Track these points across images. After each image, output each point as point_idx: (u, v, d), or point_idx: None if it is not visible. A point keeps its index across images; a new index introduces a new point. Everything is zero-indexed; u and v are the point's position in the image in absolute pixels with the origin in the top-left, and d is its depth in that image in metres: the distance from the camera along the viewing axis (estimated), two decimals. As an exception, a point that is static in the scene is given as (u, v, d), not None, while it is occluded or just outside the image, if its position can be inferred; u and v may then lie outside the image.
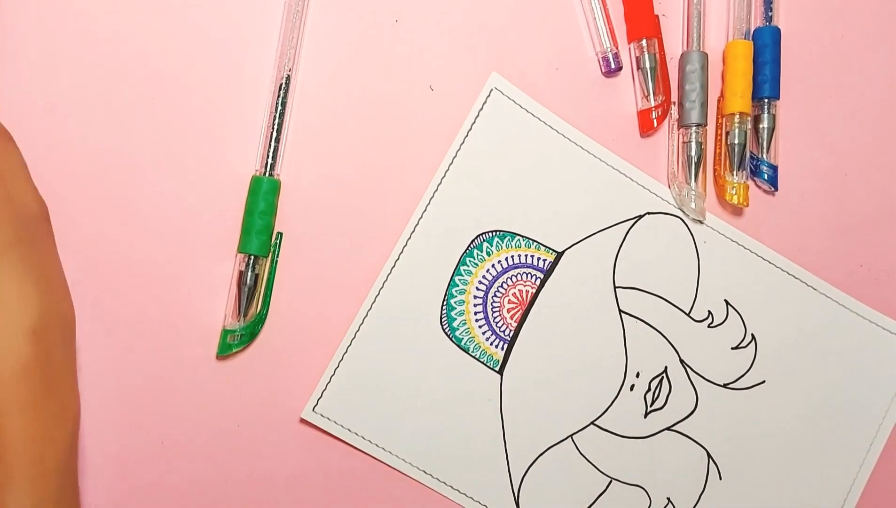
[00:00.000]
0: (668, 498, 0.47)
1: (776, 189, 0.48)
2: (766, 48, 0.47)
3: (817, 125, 0.49)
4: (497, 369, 0.46)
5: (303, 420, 0.43)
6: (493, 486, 0.45)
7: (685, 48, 0.47)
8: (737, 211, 0.48)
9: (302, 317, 0.44)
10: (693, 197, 0.46)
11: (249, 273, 0.41)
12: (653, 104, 0.46)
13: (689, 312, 0.47)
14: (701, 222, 0.47)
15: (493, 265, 0.46)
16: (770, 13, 0.47)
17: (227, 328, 0.42)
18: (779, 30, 0.47)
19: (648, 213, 0.47)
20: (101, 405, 0.42)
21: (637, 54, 0.46)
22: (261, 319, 0.42)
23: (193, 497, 0.43)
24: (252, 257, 0.42)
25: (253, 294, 0.41)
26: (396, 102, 0.45)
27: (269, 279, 0.42)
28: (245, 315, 0.42)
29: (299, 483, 0.43)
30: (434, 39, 0.45)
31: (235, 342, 0.41)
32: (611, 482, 0.47)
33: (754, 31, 0.47)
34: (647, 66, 0.46)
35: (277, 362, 0.43)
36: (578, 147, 0.46)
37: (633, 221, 0.47)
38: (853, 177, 0.49)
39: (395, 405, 0.44)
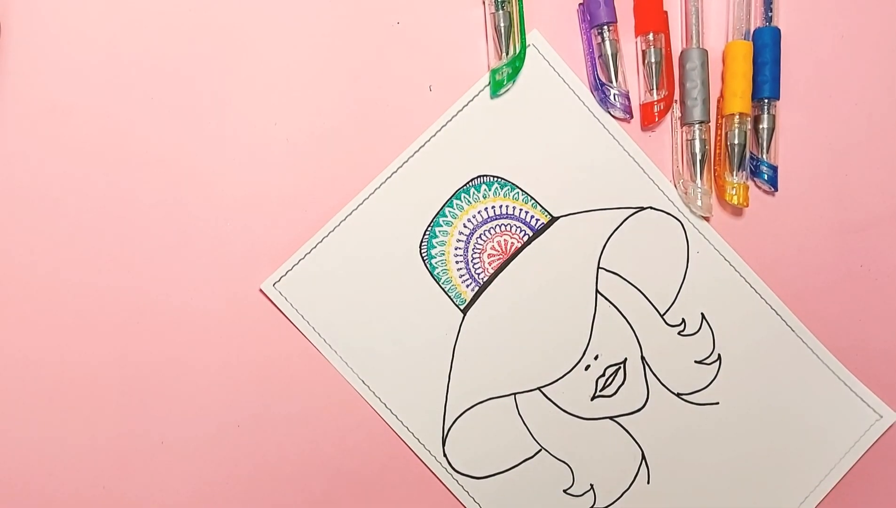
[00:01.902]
0: (591, 485, 0.47)
1: (776, 189, 0.48)
2: (765, 48, 0.47)
3: (817, 126, 0.49)
4: (462, 307, 0.46)
5: (260, 292, 0.44)
6: (425, 418, 0.46)
7: (685, 46, 0.47)
8: (737, 211, 0.48)
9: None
10: (699, 194, 0.47)
11: (501, 12, 0.45)
12: (655, 98, 0.47)
13: (664, 314, 0.47)
14: (698, 232, 0.47)
15: (486, 208, 0.46)
16: (770, 13, 0.47)
17: (494, 67, 0.45)
18: (779, 30, 0.47)
19: (652, 208, 0.47)
20: (101, 404, 0.43)
21: (643, 48, 0.47)
22: (521, 55, 0.44)
23: (193, 496, 0.44)
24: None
25: (510, 32, 0.45)
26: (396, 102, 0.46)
27: (520, 17, 0.45)
28: (507, 53, 0.45)
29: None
30: (434, 40, 0.46)
31: (503, 78, 0.45)
32: (540, 450, 0.46)
33: (754, 31, 0.47)
34: (653, 60, 0.46)
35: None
36: (600, 124, 0.47)
37: (635, 210, 0.47)
38: (853, 177, 0.49)
39: (354, 309, 0.45)
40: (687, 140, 0.47)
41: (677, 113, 0.47)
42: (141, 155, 0.43)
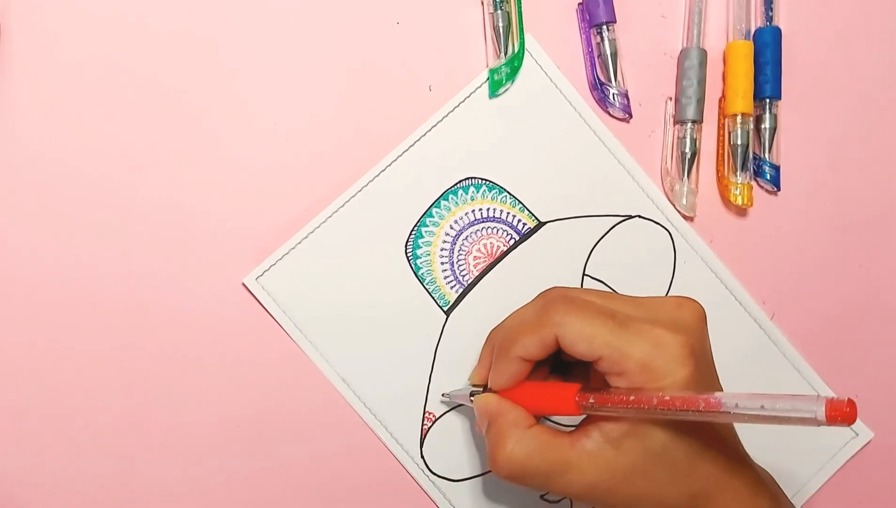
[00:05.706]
0: (569, 492, 0.47)
1: (779, 189, 0.48)
2: (766, 48, 0.47)
3: (819, 125, 0.49)
4: (445, 309, 0.46)
5: (243, 286, 0.44)
6: (403, 419, 0.46)
7: (685, 45, 0.47)
8: (741, 211, 0.48)
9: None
10: (685, 193, 0.47)
11: (500, 11, 0.44)
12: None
13: (648, 323, 0.47)
14: (686, 242, 0.47)
15: (473, 211, 0.46)
16: (770, 13, 0.48)
17: (492, 67, 0.45)
18: (779, 30, 0.47)
19: (640, 216, 0.47)
20: (101, 404, 0.43)
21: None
22: (519, 55, 0.45)
23: (194, 496, 0.44)
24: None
25: (508, 32, 0.45)
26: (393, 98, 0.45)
27: (518, 17, 0.45)
28: (505, 53, 0.45)
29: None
30: (433, 40, 0.45)
31: (502, 77, 0.45)
32: (518, 455, 0.46)
33: (755, 31, 0.47)
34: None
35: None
36: (591, 130, 0.47)
37: (623, 218, 0.47)
38: (854, 177, 0.49)
39: (337, 307, 0.45)
40: (678, 138, 0.47)
41: (671, 111, 0.47)
42: (135, 152, 0.43)
